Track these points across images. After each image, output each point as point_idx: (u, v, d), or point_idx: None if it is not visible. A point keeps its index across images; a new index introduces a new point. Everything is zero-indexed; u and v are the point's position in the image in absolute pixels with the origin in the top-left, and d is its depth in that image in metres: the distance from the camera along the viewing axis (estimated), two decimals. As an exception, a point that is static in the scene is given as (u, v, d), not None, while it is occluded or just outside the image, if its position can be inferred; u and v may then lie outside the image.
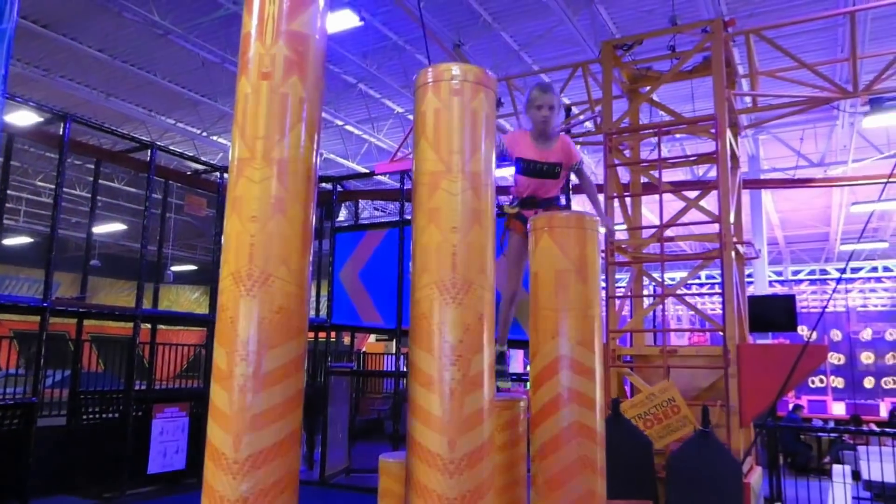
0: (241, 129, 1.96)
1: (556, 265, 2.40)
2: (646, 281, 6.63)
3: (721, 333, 5.43)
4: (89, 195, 10.67)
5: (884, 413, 15.37)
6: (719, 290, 5.55)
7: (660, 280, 5.90)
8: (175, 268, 20.67)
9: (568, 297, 2.37)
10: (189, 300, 22.89)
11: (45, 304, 7.45)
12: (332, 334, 10.25)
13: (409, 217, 8.36)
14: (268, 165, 1.91)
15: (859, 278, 21.39)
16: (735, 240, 5.91)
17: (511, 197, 3.77)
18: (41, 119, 8.88)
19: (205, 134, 13.58)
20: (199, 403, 8.64)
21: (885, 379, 20.39)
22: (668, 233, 6.04)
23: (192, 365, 13.43)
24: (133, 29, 9.78)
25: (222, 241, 1.98)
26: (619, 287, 10.16)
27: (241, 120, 1.97)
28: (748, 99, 7.13)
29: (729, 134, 6.16)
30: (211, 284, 10.83)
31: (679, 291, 7.18)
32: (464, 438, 1.87)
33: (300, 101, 1.96)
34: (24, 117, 9.20)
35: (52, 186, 14.33)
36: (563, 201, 3.89)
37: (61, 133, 7.87)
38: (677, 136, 10.15)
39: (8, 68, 4.29)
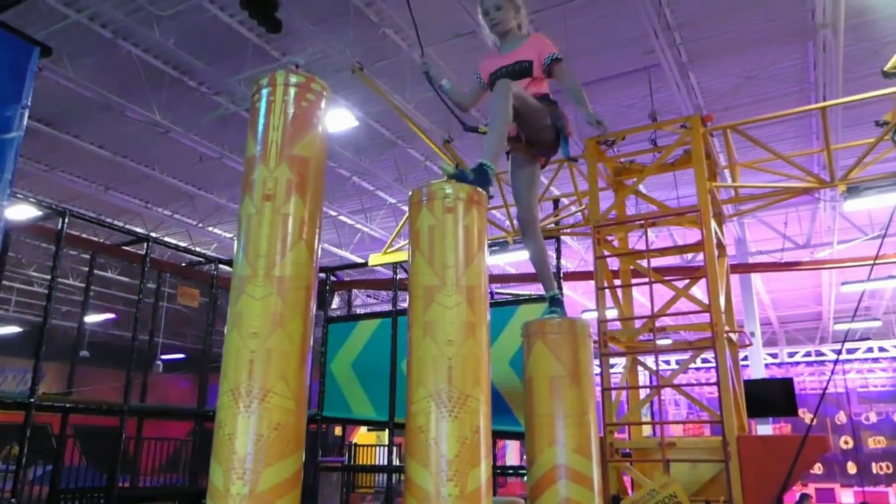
0: (243, 248, 2.03)
1: (550, 371, 2.44)
2: (641, 367, 6.61)
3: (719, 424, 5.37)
4: (81, 284, 10.67)
5: (893, 501, 14.93)
6: (715, 379, 5.53)
7: (654, 370, 5.88)
8: (164, 356, 20.35)
9: (563, 403, 2.39)
10: (177, 389, 22.40)
11: (31, 400, 7.30)
12: (323, 426, 10.03)
13: (402, 307, 8.32)
14: (269, 283, 1.97)
15: (856, 359, 21.31)
16: (727, 328, 5.95)
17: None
18: (39, 213, 9.00)
19: (200, 225, 13.77)
20: (184, 502, 8.34)
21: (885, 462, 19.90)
22: (662, 320, 6.09)
23: (176, 457, 13.00)
24: (134, 127, 10.11)
25: (222, 356, 2.01)
26: (615, 373, 10.10)
27: (244, 239, 2.04)
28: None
29: (713, 223, 6.33)
30: (200, 374, 10.69)
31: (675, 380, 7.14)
32: (462, 559, 1.84)
33: (301, 220, 2.05)
34: (22, 211, 9.32)
35: (45, 276, 14.26)
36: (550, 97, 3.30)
37: (59, 227, 7.97)
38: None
39: (14, 173, 4.43)
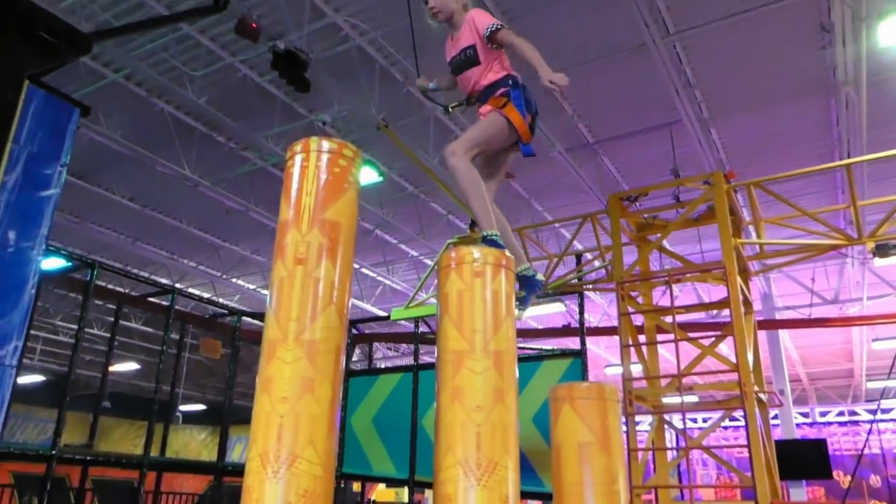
0: (275, 311, 2.05)
1: (579, 437, 2.39)
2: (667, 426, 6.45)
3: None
4: (105, 334, 10.78)
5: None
6: (745, 440, 5.37)
7: (681, 429, 5.74)
8: (184, 407, 20.33)
9: (592, 471, 2.34)
10: (197, 441, 22.23)
11: (53, 452, 7.29)
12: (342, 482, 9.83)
13: (423, 362, 8.20)
14: (299, 346, 1.98)
15: (891, 420, 20.53)
16: (756, 388, 5.81)
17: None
18: (68, 265, 9.18)
19: (224, 276, 13.94)
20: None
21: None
22: (689, 378, 5.96)
23: (194, 513, 12.80)
24: (164, 181, 10.38)
25: (252, 420, 2.00)
26: (641, 431, 9.83)
27: (275, 302, 2.07)
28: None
29: (739, 280, 6.26)
30: (220, 426, 10.63)
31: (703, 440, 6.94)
32: None
33: (331, 284, 2.07)
34: (51, 262, 9.50)
35: (70, 326, 14.42)
36: (509, 82, 2.98)
37: (87, 279, 8.09)
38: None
39: (51, 229, 4.56)
